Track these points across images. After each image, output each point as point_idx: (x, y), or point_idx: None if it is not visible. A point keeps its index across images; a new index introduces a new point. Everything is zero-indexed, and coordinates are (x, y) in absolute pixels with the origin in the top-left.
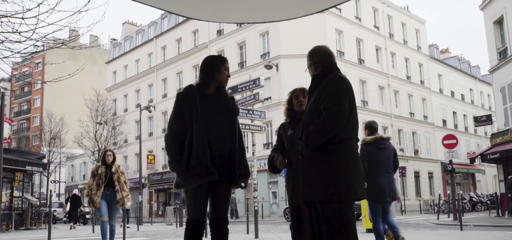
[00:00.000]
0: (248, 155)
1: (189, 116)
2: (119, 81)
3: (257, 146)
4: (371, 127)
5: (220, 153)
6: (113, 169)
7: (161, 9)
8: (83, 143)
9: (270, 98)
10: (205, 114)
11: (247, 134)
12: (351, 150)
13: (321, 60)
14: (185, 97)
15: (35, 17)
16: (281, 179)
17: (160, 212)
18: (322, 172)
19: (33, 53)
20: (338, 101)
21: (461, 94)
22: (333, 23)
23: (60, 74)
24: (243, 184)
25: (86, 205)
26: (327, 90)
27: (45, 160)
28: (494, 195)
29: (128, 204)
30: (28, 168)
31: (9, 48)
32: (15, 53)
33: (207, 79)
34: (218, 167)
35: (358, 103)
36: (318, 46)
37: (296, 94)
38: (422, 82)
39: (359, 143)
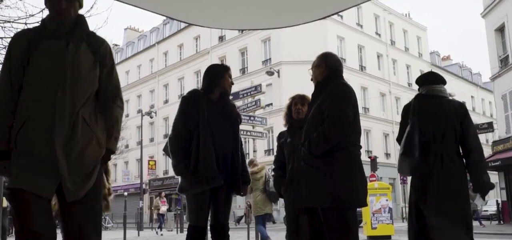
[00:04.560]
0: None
1: (195, 120)
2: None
3: (258, 152)
4: None
5: (223, 159)
6: None
7: (163, 15)
8: None
9: (271, 104)
10: (209, 119)
11: (248, 140)
12: (354, 157)
13: (333, 65)
14: (191, 100)
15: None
16: None
17: None
18: (325, 179)
19: None
20: (342, 108)
21: (462, 102)
22: (334, 29)
23: None
24: (242, 192)
25: None
26: (331, 97)
27: None
28: (495, 202)
29: (163, 208)
30: None
31: None
32: None
33: (212, 84)
34: (221, 173)
35: (359, 110)
36: (333, 53)
37: (295, 102)
38: None
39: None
